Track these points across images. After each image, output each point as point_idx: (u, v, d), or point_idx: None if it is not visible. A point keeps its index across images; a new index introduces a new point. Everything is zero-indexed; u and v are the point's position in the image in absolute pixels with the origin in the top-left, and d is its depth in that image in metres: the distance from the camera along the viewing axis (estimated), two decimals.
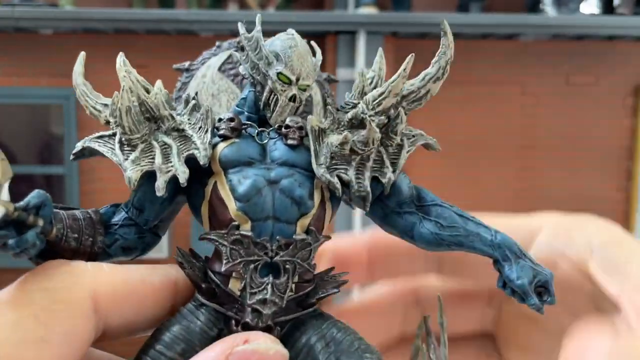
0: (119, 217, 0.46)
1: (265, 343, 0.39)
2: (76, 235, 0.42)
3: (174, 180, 0.43)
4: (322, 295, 0.44)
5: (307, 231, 0.43)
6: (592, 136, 3.35)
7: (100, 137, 0.44)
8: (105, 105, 0.45)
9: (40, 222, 0.39)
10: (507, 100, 3.32)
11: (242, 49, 0.49)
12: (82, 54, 0.48)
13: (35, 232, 0.38)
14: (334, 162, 0.44)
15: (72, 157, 0.45)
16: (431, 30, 2.99)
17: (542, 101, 3.34)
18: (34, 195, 0.39)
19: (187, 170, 0.43)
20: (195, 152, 0.43)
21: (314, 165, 0.44)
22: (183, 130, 0.45)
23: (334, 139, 0.44)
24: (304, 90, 0.47)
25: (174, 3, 3.24)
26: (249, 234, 0.42)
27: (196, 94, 0.49)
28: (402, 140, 0.46)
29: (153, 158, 0.43)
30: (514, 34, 3.11)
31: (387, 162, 0.45)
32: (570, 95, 3.33)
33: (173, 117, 0.45)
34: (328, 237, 0.45)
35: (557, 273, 0.44)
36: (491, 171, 3.31)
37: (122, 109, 0.43)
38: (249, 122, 0.47)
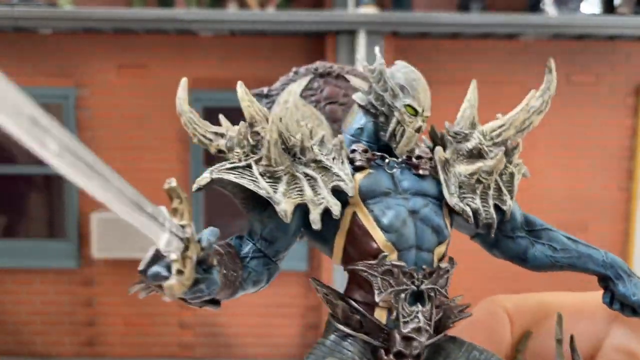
0: (247, 250, 0.44)
1: None
2: (225, 272, 0.39)
3: (302, 212, 0.43)
4: (458, 318, 0.46)
5: (448, 259, 0.46)
6: (592, 136, 3.34)
7: (234, 168, 0.42)
8: (216, 134, 0.44)
9: (215, 262, 0.36)
10: (507, 100, 3.31)
11: (321, 75, 0.51)
12: (184, 80, 0.45)
13: (217, 271, 0.36)
14: (461, 191, 0.46)
15: (195, 188, 0.41)
16: (431, 30, 2.99)
17: None
18: (210, 234, 0.36)
19: (339, 203, 0.43)
20: (341, 183, 0.43)
21: (447, 195, 0.46)
22: (321, 161, 0.44)
23: (462, 169, 0.47)
24: (424, 121, 0.49)
25: (173, 2, 3.23)
26: (401, 263, 0.43)
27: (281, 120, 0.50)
28: (513, 168, 0.49)
29: (300, 190, 0.43)
30: (514, 33, 3.11)
31: (505, 190, 0.48)
32: (571, 95, 3.33)
33: (313, 149, 0.44)
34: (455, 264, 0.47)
35: None
36: None
37: (272, 141, 0.41)
38: (380, 153, 0.47)
